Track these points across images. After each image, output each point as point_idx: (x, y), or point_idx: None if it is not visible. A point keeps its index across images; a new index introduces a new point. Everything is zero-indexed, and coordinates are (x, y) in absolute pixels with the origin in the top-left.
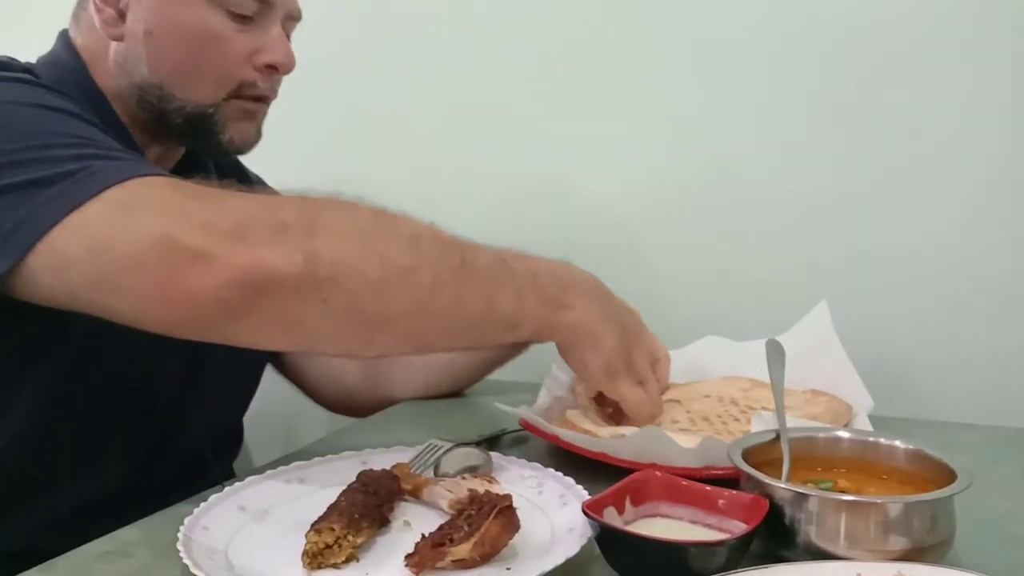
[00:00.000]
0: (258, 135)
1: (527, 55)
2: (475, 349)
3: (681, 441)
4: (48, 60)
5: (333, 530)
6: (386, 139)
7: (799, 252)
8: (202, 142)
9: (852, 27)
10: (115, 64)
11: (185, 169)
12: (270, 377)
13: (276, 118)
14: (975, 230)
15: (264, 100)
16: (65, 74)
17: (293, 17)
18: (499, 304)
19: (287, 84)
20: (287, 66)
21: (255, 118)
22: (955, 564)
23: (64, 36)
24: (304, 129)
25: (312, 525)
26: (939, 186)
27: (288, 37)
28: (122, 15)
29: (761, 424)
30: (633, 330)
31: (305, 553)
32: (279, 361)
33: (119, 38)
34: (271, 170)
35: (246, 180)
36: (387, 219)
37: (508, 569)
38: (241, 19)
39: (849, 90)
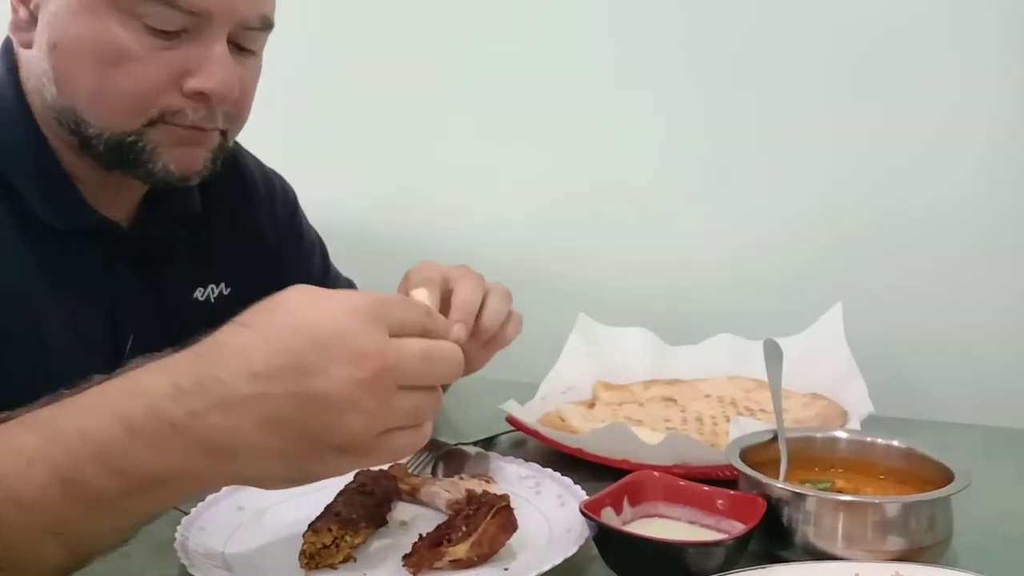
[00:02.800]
0: (209, 164)
1: (540, 55)
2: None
3: (644, 437)
4: None
5: (331, 530)
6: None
7: (813, 254)
8: (133, 172)
9: (872, 30)
10: (29, 77)
11: (164, 201)
12: None
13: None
14: (976, 234)
15: (200, 130)
16: None
17: (250, 27)
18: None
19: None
20: (219, 95)
21: (200, 144)
22: (952, 564)
23: (7, 41)
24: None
25: (309, 525)
26: (943, 193)
27: (253, 50)
28: (34, 18)
29: (739, 430)
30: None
31: (302, 554)
32: None
33: (29, 45)
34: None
35: (237, 175)
36: None
37: (506, 569)
38: (164, 35)
39: (865, 95)
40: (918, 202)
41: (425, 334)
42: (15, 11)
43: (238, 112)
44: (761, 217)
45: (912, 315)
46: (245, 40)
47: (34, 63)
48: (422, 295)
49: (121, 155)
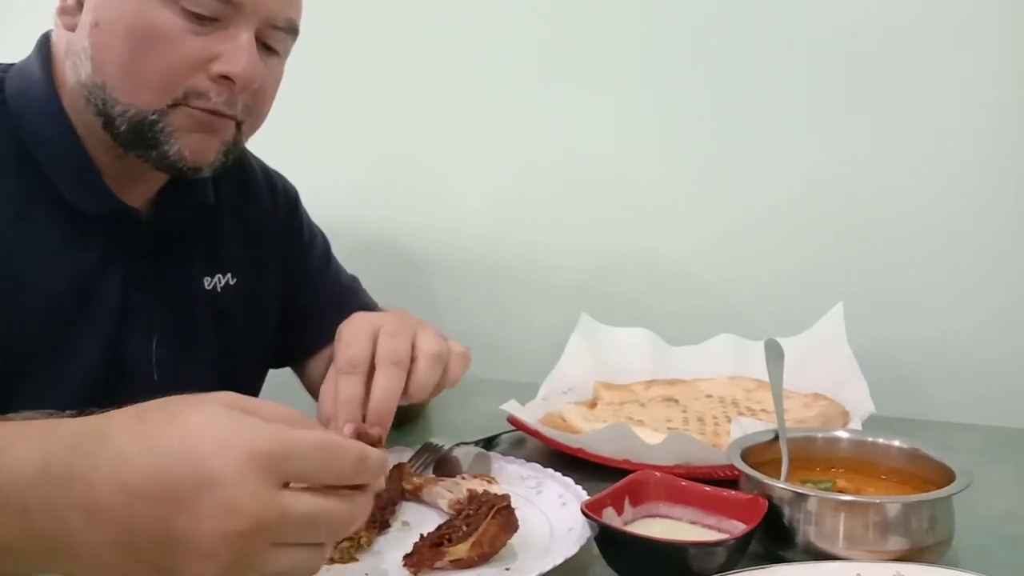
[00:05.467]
0: (223, 155)
1: (537, 53)
2: None
3: (646, 437)
4: (22, 64)
5: None
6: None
7: (814, 254)
8: (149, 153)
9: (872, 28)
10: (67, 58)
11: (180, 191)
12: (271, 381)
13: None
14: (976, 234)
15: (220, 115)
16: (28, 84)
17: (277, 27)
18: None
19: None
20: (244, 79)
21: (216, 133)
22: (954, 564)
23: (44, 36)
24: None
25: None
26: (943, 193)
27: (278, 51)
28: (81, 4)
29: (740, 430)
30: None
31: None
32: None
33: (73, 28)
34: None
35: (240, 171)
36: None
37: (507, 569)
38: (199, 19)
39: (866, 95)
40: (918, 202)
41: (327, 485)
42: None
43: (256, 106)
44: (762, 217)
45: (913, 315)
46: (271, 39)
47: (74, 43)
48: (348, 430)
49: (140, 135)
